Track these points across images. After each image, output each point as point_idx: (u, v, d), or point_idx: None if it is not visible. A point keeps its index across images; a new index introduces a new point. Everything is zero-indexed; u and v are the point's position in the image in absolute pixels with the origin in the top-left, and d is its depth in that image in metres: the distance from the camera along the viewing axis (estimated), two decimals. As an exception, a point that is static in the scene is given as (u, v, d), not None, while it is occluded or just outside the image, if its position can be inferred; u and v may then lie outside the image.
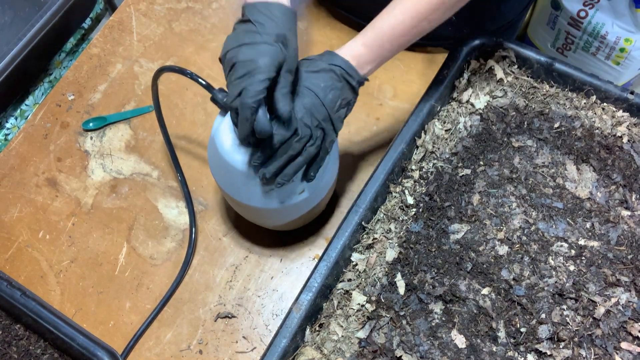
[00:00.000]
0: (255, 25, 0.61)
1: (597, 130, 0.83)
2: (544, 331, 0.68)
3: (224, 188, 0.73)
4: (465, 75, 0.87)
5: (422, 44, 0.99)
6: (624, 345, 0.68)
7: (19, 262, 0.85)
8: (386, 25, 0.68)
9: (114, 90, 0.99)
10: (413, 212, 0.78)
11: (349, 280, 0.74)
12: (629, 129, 0.83)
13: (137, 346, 0.79)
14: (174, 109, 0.97)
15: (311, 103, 0.63)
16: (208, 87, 0.68)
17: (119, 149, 0.94)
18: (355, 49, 0.68)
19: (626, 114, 0.84)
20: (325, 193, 0.76)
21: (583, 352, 0.67)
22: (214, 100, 0.67)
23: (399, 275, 0.73)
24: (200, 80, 0.68)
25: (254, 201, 0.71)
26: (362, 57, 0.67)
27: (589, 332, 0.68)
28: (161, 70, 0.73)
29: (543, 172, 0.80)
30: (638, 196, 0.78)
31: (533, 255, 0.73)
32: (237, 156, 0.66)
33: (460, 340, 0.69)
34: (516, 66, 0.88)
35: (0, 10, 1.09)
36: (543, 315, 0.69)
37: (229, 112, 0.67)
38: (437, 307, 0.71)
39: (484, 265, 0.73)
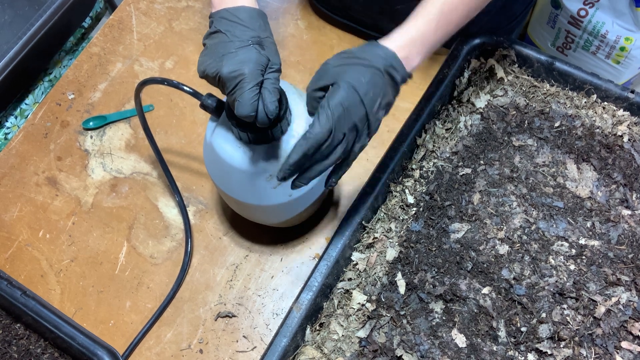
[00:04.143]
0: (227, 35, 0.60)
1: (597, 130, 0.83)
2: (544, 330, 0.68)
3: (225, 190, 0.72)
4: (466, 75, 0.87)
5: None
6: (624, 344, 0.68)
7: (19, 261, 0.85)
8: (433, 6, 0.62)
9: (114, 89, 0.99)
10: (413, 211, 0.78)
11: (350, 279, 0.74)
12: (630, 128, 0.83)
13: (138, 345, 0.79)
14: (174, 108, 0.97)
15: (350, 101, 0.57)
16: (195, 94, 0.66)
17: (119, 148, 0.94)
18: (404, 37, 0.61)
19: (627, 113, 0.84)
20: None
21: (583, 352, 0.67)
22: (203, 106, 0.66)
23: (399, 275, 0.73)
24: (185, 88, 0.66)
25: (256, 199, 0.71)
26: (413, 47, 0.61)
27: (590, 332, 0.68)
28: (144, 83, 0.70)
29: (543, 171, 0.80)
30: (638, 195, 0.78)
31: (533, 255, 0.73)
32: (237, 156, 0.66)
33: (460, 340, 0.69)
34: (517, 65, 0.88)
35: (0, 9, 1.09)
36: (543, 315, 0.69)
37: (223, 114, 0.67)
38: (438, 307, 0.71)
39: (485, 265, 0.72)
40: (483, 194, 0.78)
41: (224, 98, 0.67)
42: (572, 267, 0.72)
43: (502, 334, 0.69)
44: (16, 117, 1.00)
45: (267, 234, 0.86)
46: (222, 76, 0.59)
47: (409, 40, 0.61)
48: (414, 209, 0.78)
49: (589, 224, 0.76)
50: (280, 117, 0.63)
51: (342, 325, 0.71)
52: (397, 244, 0.76)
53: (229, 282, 0.83)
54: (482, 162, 0.81)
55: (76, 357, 0.72)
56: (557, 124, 0.83)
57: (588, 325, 0.69)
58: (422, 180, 0.80)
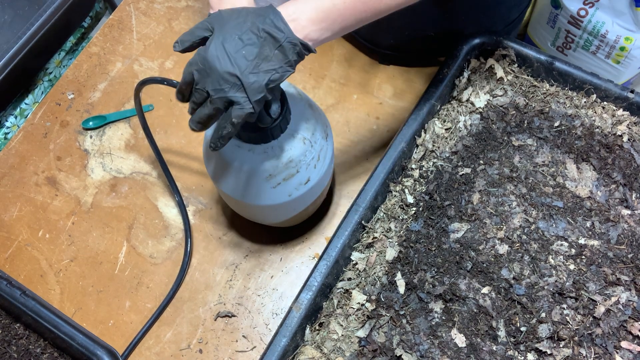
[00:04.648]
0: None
1: (597, 129, 0.83)
2: (544, 330, 0.68)
3: (225, 190, 0.72)
4: (466, 74, 0.87)
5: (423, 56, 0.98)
6: (624, 344, 0.68)
7: (19, 261, 0.85)
8: None
9: (114, 89, 0.99)
10: (413, 211, 0.78)
11: (349, 279, 0.74)
12: (629, 128, 0.83)
13: (137, 345, 0.79)
14: (174, 108, 0.97)
15: (214, 58, 0.53)
16: None
17: (119, 148, 0.94)
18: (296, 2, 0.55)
19: (626, 113, 0.84)
20: (325, 185, 0.76)
21: (583, 351, 0.67)
22: None
23: (399, 274, 0.73)
24: None
25: (256, 199, 0.71)
26: (304, 12, 0.54)
27: (589, 331, 0.68)
28: (143, 83, 0.69)
29: (543, 171, 0.80)
30: (638, 195, 0.78)
31: (533, 254, 0.73)
32: (237, 156, 0.66)
33: (460, 339, 0.69)
34: (516, 65, 0.88)
35: (0, 9, 1.09)
36: (543, 314, 0.69)
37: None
38: (437, 306, 0.71)
39: (484, 264, 0.72)
40: (482, 193, 0.78)
41: None
42: (572, 266, 0.72)
43: (501, 333, 0.69)
44: (16, 117, 1.00)
45: (267, 234, 0.86)
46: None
47: (299, 1, 0.55)
48: (414, 208, 0.78)
49: (588, 224, 0.76)
50: (280, 116, 0.64)
51: (341, 325, 0.71)
52: (396, 243, 0.76)
53: (228, 282, 0.83)
54: (481, 161, 0.81)
55: (76, 357, 0.72)
56: (556, 124, 0.83)
57: (588, 325, 0.69)
58: (421, 180, 0.80)
